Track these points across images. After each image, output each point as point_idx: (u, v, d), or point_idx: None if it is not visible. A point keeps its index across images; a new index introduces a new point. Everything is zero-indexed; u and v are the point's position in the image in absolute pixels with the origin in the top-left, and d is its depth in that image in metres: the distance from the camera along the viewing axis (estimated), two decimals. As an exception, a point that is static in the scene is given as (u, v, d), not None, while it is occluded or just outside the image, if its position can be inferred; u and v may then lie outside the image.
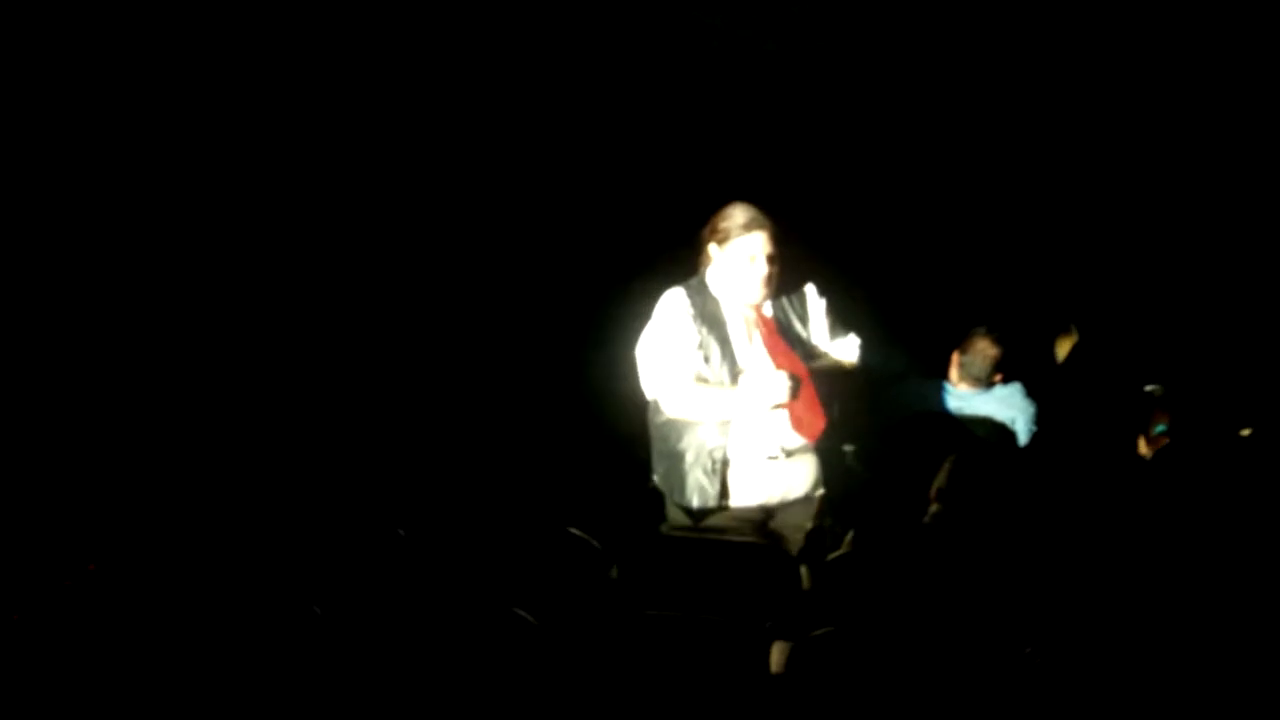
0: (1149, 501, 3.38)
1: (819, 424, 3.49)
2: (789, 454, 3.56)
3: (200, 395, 3.96)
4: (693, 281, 3.58)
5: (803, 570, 3.28)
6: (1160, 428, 3.81)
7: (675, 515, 3.66)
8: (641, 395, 3.64)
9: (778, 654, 2.95)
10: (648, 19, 4.78)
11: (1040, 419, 4.09)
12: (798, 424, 3.49)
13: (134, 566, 2.94)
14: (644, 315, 3.60)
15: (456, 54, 4.79)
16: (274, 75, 4.48)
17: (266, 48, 4.43)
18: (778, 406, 3.45)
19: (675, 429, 3.56)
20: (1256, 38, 4.67)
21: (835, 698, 2.66)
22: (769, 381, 3.43)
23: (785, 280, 3.54)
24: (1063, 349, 4.55)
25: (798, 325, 3.61)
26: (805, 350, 3.56)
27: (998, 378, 4.08)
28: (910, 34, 4.91)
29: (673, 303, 3.57)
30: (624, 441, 3.91)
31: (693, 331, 3.52)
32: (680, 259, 3.62)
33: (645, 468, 3.75)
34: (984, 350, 4.04)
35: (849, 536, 3.38)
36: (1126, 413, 3.91)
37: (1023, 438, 4.05)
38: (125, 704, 2.50)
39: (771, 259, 3.49)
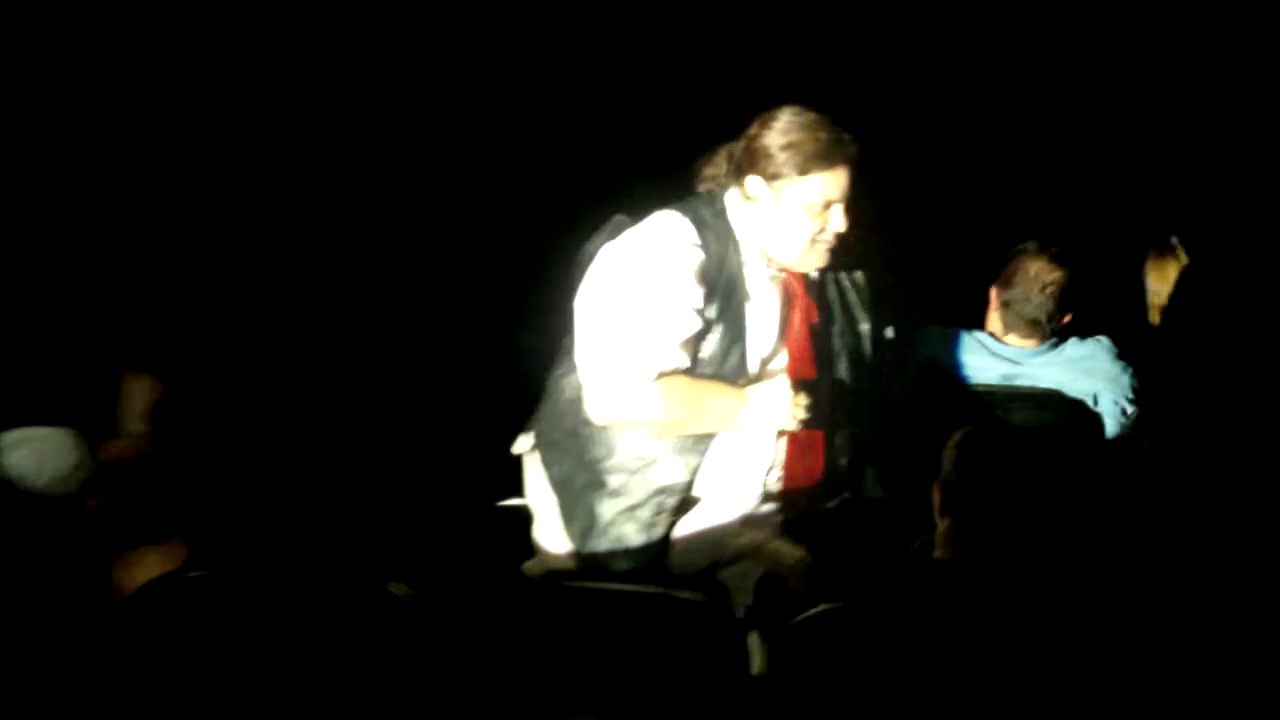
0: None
1: (815, 473, 3.20)
2: (768, 497, 3.22)
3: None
4: (702, 209, 3.13)
5: (752, 641, 2.95)
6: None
7: (552, 551, 3.23)
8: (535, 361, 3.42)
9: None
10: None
11: (1141, 395, 3.67)
12: (790, 469, 3.17)
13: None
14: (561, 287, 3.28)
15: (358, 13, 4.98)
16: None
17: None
18: (781, 432, 3.13)
19: (604, 440, 3.13)
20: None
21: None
22: (783, 395, 3.07)
23: (845, 241, 3.16)
24: (1164, 278, 4.04)
25: (857, 315, 3.27)
26: (855, 360, 3.26)
27: (1066, 319, 3.66)
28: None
29: (673, 239, 3.07)
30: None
31: (695, 291, 3.06)
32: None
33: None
34: (1040, 275, 3.61)
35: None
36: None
37: (1110, 423, 3.63)
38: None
39: (850, 209, 3.07)
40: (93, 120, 4.70)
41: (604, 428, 3.12)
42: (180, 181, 4.88)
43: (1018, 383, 3.67)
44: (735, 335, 3.09)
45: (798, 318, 3.15)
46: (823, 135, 3.01)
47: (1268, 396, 3.71)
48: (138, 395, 3.52)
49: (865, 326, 3.24)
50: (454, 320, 4.85)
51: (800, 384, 3.10)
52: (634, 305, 3.05)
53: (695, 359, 3.09)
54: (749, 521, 3.17)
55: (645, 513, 3.10)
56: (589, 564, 3.18)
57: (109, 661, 2.84)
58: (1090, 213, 4.83)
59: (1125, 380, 3.65)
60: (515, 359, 4.19)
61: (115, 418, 3.68)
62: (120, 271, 4.73)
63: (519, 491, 3.41)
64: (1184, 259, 4.07)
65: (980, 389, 3.69)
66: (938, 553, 2.88)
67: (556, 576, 3.19)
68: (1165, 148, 5.09)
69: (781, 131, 3.02)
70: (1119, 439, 3.67)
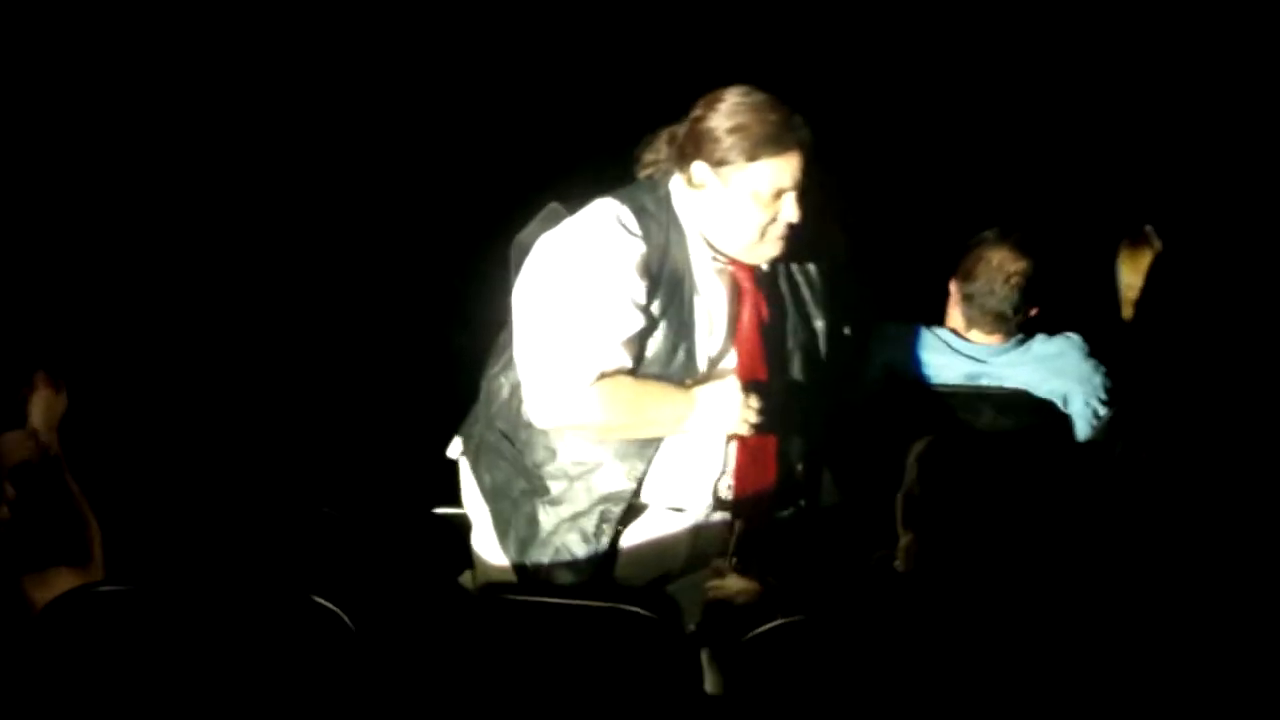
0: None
1: (768, 479, 3.10)
2: (719, 504, 3.13)
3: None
4: (643, 196, 3.02)
5: (707, 658, 2.94)
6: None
7: (490, 562, 3.15)
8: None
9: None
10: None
11: (1114, 395, 3.56)
12: (741, 475, 3.08)
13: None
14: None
15: None
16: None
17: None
18: (731, 437, 3.04)
19: (544, 444, 3.05)
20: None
21: None
22: (733, 397, 2.97)
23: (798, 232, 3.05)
24: (1138, 270, 3.91)
25: (812, 311, 3.16)
26: (809, 359, 3.15)
27: (1033, 313, 3.54)
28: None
29: (612, 229, 2.96)
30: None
31: (637, 285, 2.95)
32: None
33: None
34: (1003, 265, 3.48)
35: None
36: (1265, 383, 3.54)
37: (1081, 426, 3.53)
38: None
39: (803, 196, 2.93)
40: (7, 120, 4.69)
41: (543, 431, 3.03)
42: (97, 181, 4.80)
43: (982, 382, 3.58)
44: (681, 333, 2.98)
45: (747, 314, 3.03)
46: (773, 118, 2.89)
47: (1249, 397, 3.59)
48: (42, 407, 3.30)
49: (820, 323, 3.13)
50: (385, 316, 4.79)
51: (751, 385, 2.99)
52: (571, 302, 2.94)
53: (639, 358, 2.98)
54: (699, 530, 3.08)
55: (588, 522, 3.01)
56: (530, 576, 3.09)
57: (16, 680, 2.73)
58: (1058, 199, 4.79)
59: (1097, 380, 3.55)
60: (449, 356, 4.11)
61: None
62: (22, 270, 4.58)
63: (455, 499, 3.36)
64: (1159, 249, 3.98)
65: (943, 390, 3.59)
66: (898, 564, 2.80)
67: (495, 590, 3.08)
68: (1138, 130, 5.07)
69: (728, 114, 2.90)
70: (1090, 443, 3.59)
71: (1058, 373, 3.54)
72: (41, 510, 3.15)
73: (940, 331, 3.61)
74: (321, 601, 2.62)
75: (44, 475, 3.16)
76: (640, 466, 3.00)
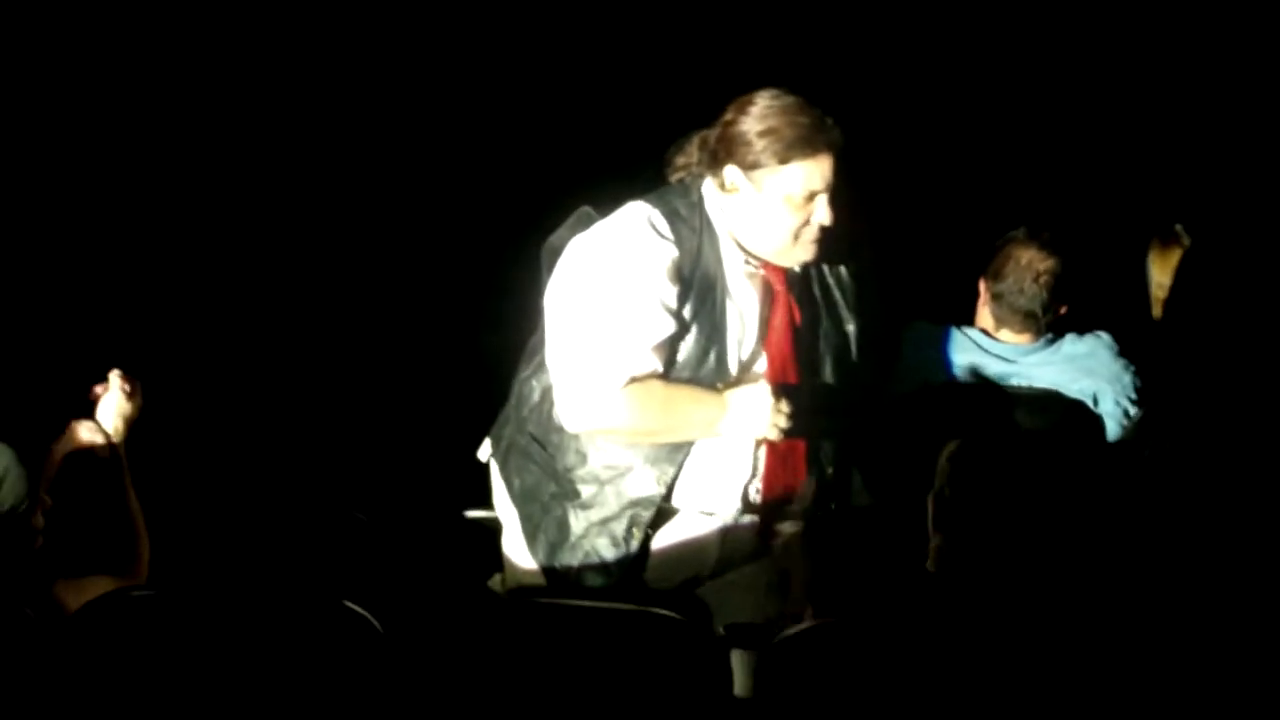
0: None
1: (798, 483, 3.09)
2: (748, 509, 3.12)
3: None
4: (675, 200, 3.01)
5: (737, 661, 2.79)
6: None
7: (521, 565, 3.13)
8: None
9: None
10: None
11: (1144, 395, 3.52)
12: (770, 479, 3.07)
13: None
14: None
15: None
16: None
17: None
18: (761, 441, 3.03)
19: (574, 448, 3.03)
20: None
21: None
22: (763, 402, 2.95)
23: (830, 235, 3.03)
24: (1168, 269, 3.90)
25: (843, 314, 3.14)
26: (840, 363, 3.13)
27: (1062, 312, 3.52)
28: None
29: (644, 233, 2.95)
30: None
31: (668, 290, 2.94)
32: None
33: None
34: (1032, 263, 3.47)
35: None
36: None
37: (1112, 425, 3.50)
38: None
39: (835, 198, 2.92)
40: (61, 133, 4.65)
41: (574, 435, 3.02)
42: (155, 192, 4.81)
43: (1013, 382, 3.54)
44: (712, 336, 2.96)
45: (779, 317, 3.01)
46: (803, 120, 2.87)
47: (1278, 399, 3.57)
48: (114, 408, 3.25)
49: (852, 326, 3.11)
50: (416, 319, 4.76)
51: (781, 389, 2.97)
52: (602, 307, 2.93)
53: (670, 362, 2.97)
54: (729, 534, 3.06)
55: (618, 526, 3.00)
56: (559, 580, 3.07)
57: (45, 686, 2.69)
58: (1087, 198, 4.75)
59: (1127, 379, 3.54)
60: (480, 359, 4.10)
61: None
62: (88, 281, 4.64)
63: (487, 502, 3.33)
64: (1189, 248, 3.96)
65: (973, 391, 3.57)
66: (929, 566, 2.77)
67: (525, 593, 3.09)
68: (1169, 128, 5.00)
69: (759, 117, 2.88)
70: (1121, 443, 3.55)
71: (1088, 372, 3.52)
72: (91, 515, 3.11)
73: (970, 331, 3.59)
74: (352, 606, 2.62)
75: (101, 479, 3.13)
76: (670, 471, 2.98)
